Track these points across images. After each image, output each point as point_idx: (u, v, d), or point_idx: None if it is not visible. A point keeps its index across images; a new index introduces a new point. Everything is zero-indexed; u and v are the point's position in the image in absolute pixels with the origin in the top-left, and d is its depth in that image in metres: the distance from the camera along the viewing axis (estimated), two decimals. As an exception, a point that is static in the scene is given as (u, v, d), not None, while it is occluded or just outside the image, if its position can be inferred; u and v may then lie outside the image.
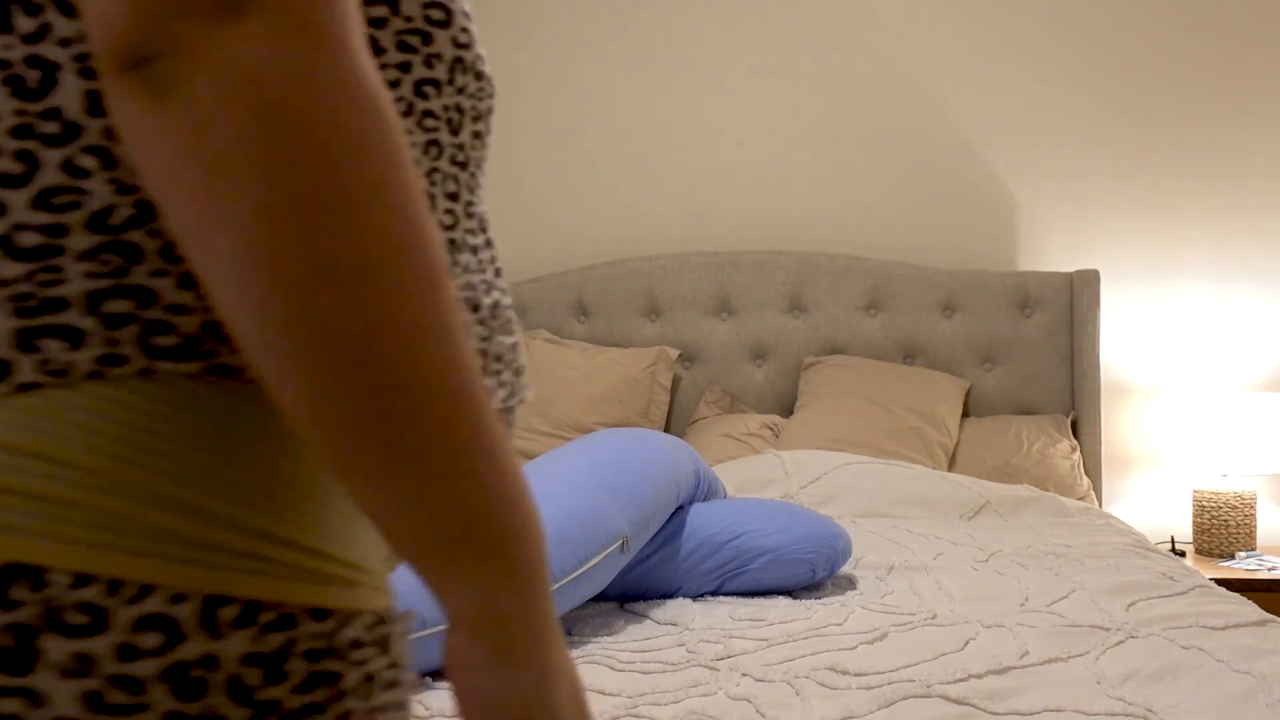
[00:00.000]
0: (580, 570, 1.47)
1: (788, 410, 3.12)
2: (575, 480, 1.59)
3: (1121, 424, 3.17)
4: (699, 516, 1.77)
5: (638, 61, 3.34)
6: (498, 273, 0.59)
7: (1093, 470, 2.99)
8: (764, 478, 2.53)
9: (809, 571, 1.73)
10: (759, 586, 1.72)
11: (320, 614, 0.45)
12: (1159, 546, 2.81)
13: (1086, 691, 1.22)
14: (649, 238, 3.32)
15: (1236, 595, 1.68)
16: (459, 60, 0.54)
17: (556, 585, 1.43)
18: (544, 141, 3.38)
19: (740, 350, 3.19)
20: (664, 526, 1.74)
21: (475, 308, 0.56)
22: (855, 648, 1.41)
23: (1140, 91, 3.18)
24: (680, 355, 3.20)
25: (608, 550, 1.53)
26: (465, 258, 0.56)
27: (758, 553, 1.72)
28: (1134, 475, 3.16)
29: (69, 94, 0.44)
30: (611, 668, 1.35)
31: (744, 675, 1.29)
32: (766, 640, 1.44)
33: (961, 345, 3.11)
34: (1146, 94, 3.18)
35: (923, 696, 1.19)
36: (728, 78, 3.32)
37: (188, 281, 0.45)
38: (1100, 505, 3.00)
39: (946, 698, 1.19)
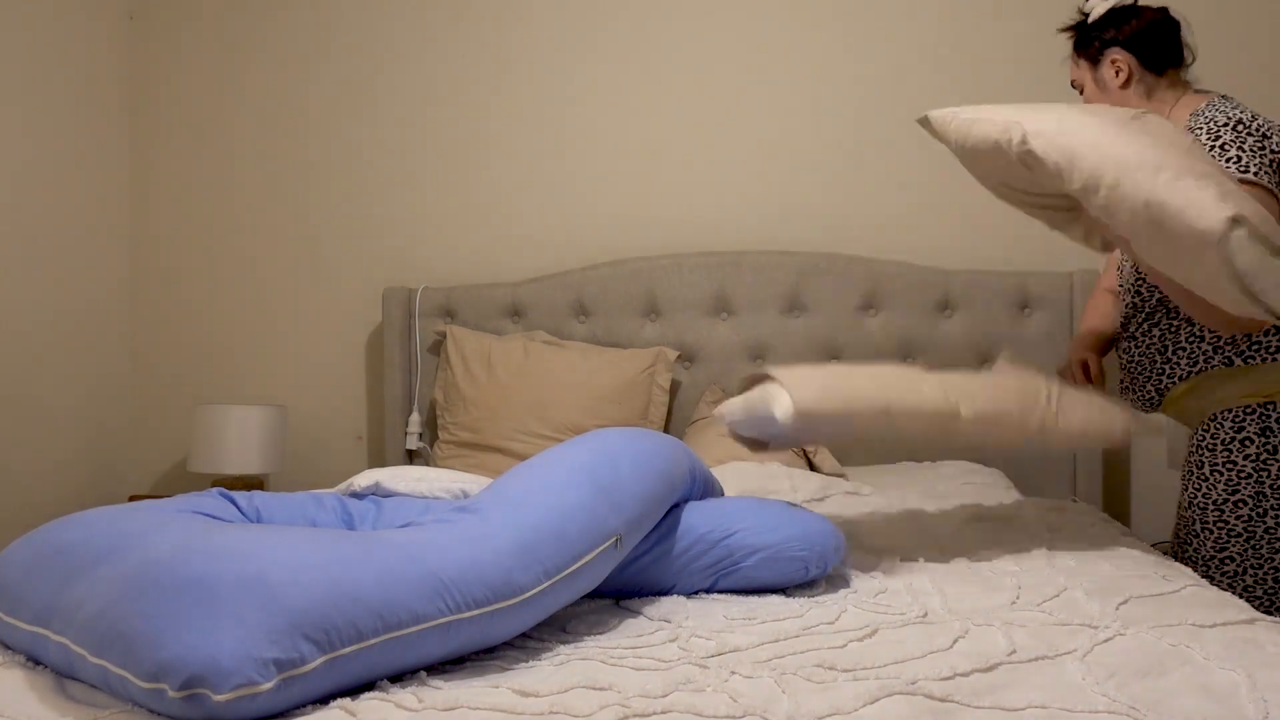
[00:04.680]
0: (573, 567, 1.48)
1: (787, 410, 3.13)
2: (569, 478, 1.60)
3: (1121, 424, 3.17)
4: (693, 514, 1.78)
5: (638, 62, 3.36)
6: None
7: (1092, 470, 2.99)
8: (766, 488, 2.53)
9: (802, 569, 1.73)
10: (752, 584, 1.73)
11: None
12: (1160, 546, 2.81)
13: (1072, 688, 1.23)
14: (649, 238, 3.33)
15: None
16: None
17: (550, 581, 1.45)
18: (544, 141, 3.39)
19: (740, 350, 3.20)
20: (658, 525, 1.75)
21: None
22: (845, 645, 1.42)
23: (1140, 92, 3.18)
24: (680, 355, 3.21)
25: (600, 548, 1.54)
26: None
27: (750, 550, 1.73)
28: (1134, 475, 3.17)
29: None
30: (604, 663, 1.36)
31: (733, 672, 1.30)
32: (758, 637, 1.45)
33: (961, 345, 3.12)
34: (1146, 94, 3.18)
35: (907, 694, 1.20)
36: (728, 78, 3.33)
37: None
38: (1100, 505, 3.00)
39: (931, 695, 1.20)
